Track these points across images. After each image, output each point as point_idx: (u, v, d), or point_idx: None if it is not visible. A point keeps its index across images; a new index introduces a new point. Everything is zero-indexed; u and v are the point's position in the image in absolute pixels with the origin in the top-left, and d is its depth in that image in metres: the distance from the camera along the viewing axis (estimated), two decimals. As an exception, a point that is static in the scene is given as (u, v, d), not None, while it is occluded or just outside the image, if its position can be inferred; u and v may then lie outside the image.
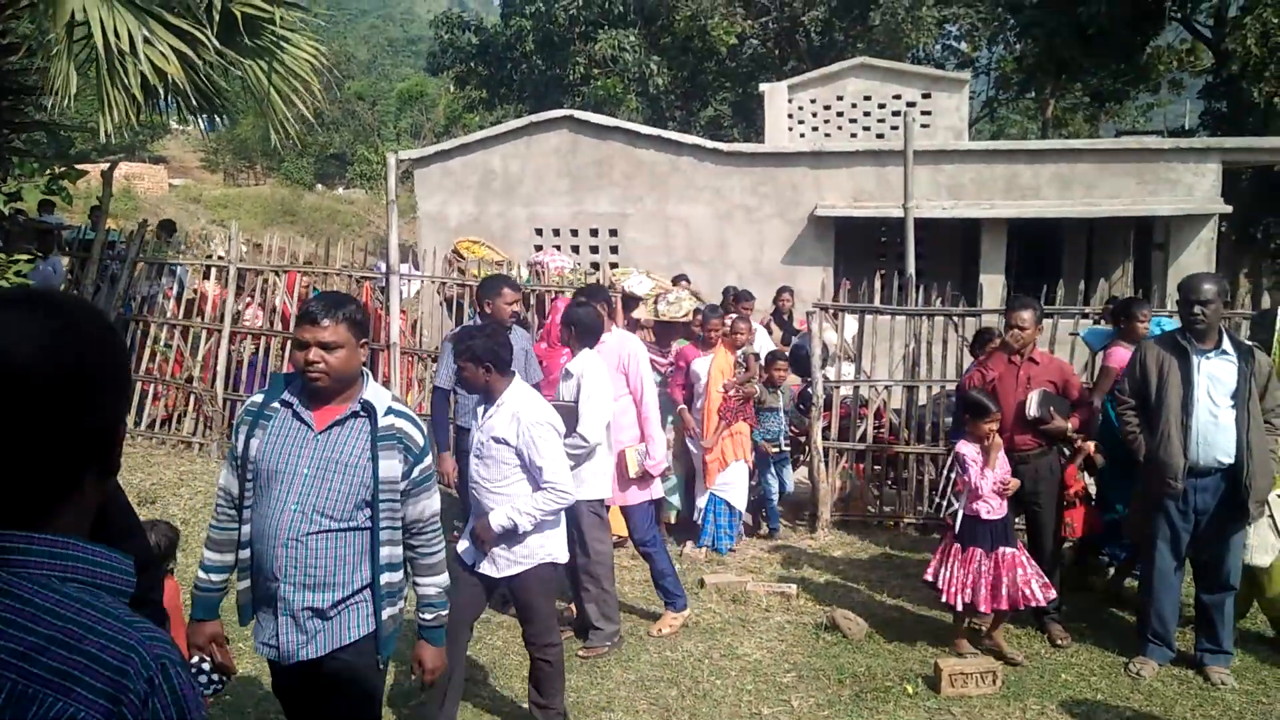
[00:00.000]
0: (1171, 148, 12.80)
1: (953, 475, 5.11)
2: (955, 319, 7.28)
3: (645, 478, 5.03)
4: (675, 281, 9.60)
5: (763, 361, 7.00)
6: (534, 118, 13.88)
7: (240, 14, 6.00)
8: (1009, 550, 4.72)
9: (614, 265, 13.41)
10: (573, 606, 5.10)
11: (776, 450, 6.85)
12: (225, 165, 39.92)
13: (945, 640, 5.07)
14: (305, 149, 35.93)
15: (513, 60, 21.53)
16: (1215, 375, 4.49)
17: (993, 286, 12.63)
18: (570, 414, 4.65)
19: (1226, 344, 4.54)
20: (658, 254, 13.32)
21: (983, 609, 4.73)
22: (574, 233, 13.57)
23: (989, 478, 4.72)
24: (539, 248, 13.07)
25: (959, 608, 4.78)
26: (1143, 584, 4.86)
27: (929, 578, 4.92)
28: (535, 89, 21.56)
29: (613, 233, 13.50)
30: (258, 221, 23.56)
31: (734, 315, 7.05)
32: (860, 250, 14.83)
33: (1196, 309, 4.51)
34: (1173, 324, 5.96)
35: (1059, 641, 5.00)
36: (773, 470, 6.90)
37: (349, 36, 60.87)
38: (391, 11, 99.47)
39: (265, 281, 8.39)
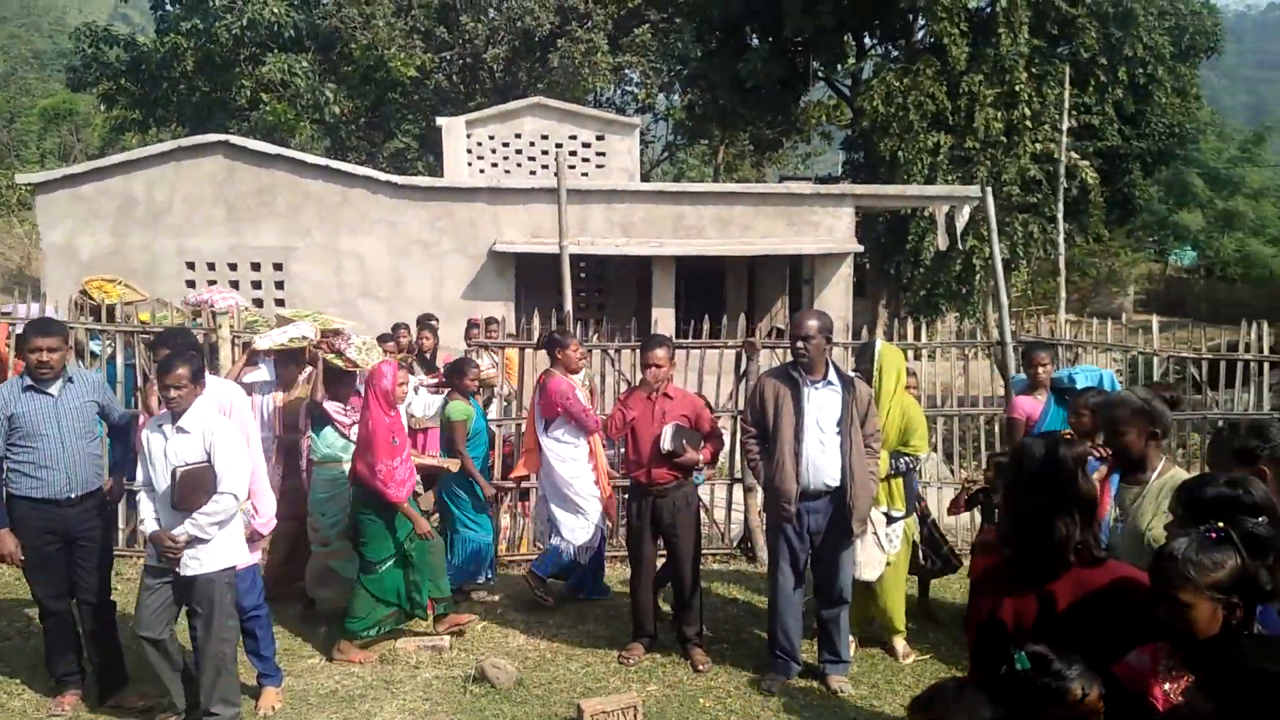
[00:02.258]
0: (814, 193, 14.12)
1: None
2: (612, 352, 7.42)
3: (253, 538, 4.56)
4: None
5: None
6: (183, 141, 12.77)
7: None
8: None
9: (280, 302, 12.59)
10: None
11: None
12: None
13: (594, 678, 5.05)
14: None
15: (170, 80, 19.70)
16: (823, 404, 4.84)
17: (664, 320, 13.27)
18: (203, 476, 4.10)
19: (832, 375, 4.91)
20: (329, 289, 12.67)
21: None
22: (233, 267, 12.56)
23: None
24: (191, 284, 11.95)
25: None
26: (769, 604, 5.11)
27: None
28: (196, 112, 19.85)
29: (277, 267, 12.65)
30: None
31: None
32: (543, 285, 14.98)
33: (800, 344, 4.84)
34: (1090, 371, 5.90)
35: (700, 667, 5.14)
36: None
37: (-21, 43, 53.19)
38: (38, 20, 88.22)
39: None
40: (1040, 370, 5.97)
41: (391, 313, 11.95)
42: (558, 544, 5.91)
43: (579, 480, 5.88)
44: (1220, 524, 2.16)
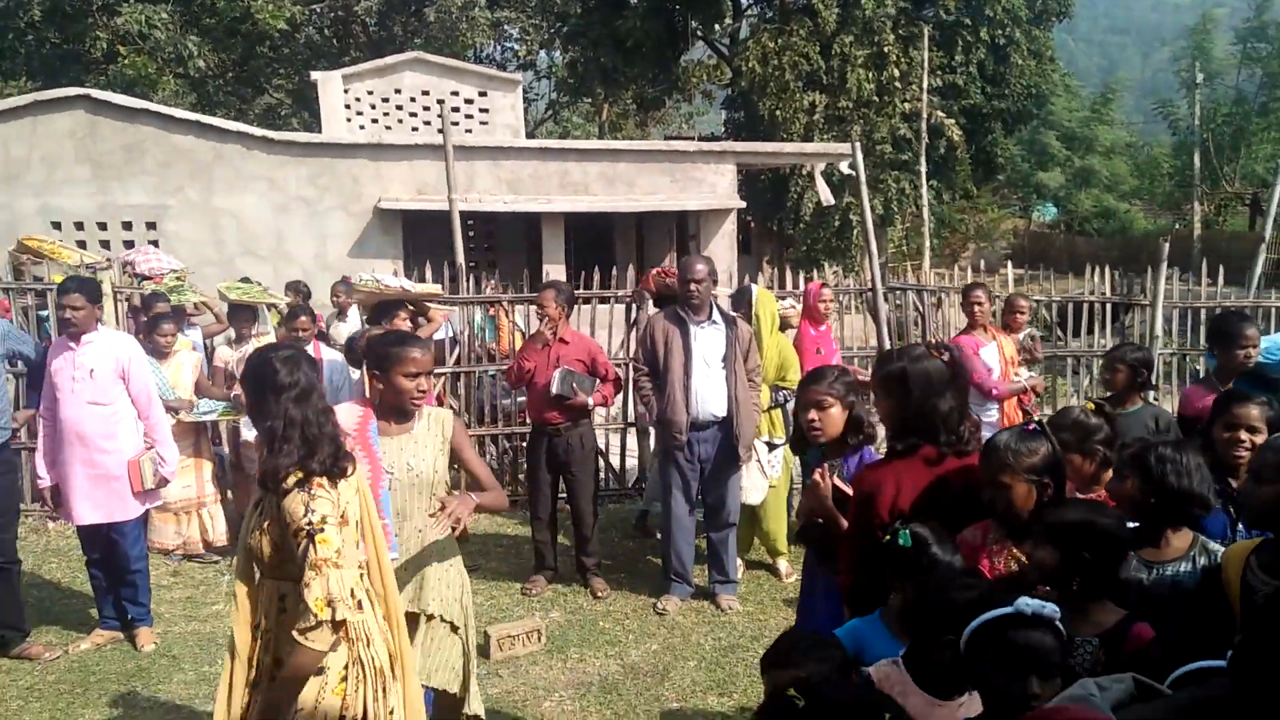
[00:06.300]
0: (696, 150, 14.42)
1: None
2: (505, 305, 7.58)
3: (161, 485, 4.60)
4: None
5: None
6: (39, 95, 12.09)
7: None
8: None
9: (154, 263, 12.16)
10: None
11: None
12: None
13: (499, 609, 5.29)
14: None
15: (16, 31, 18.46)
16: (709, 342, 5.16)
17: (556, 276, 13.39)
18: None
19: (716, 315, 5.23)
20: (206, 248, 12.30)
21: None
22: (103, 226, 12.06)
23: None
24: (82, 244, 11.36)
25: None
26: (663, 530, 5.44)
27: None
28: (47, 64, 18.68)
29: (150, 226, 12.20)
30: None
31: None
32: (431, 242, 14.85)
33: (692, 286, 5.15)
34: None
35: (599, 594, 5.45)
36: None
37: None
38: None
39: None
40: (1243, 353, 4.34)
41: (276, 271, 11.74)
42: None
43: None
44: (1036, 419, 2.56)
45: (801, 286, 8.45)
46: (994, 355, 5.85)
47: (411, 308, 5.54)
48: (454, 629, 3.25)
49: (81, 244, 11.48)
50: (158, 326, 5.94)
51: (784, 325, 6.42)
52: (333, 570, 2.36)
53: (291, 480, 2.41)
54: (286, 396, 2.46)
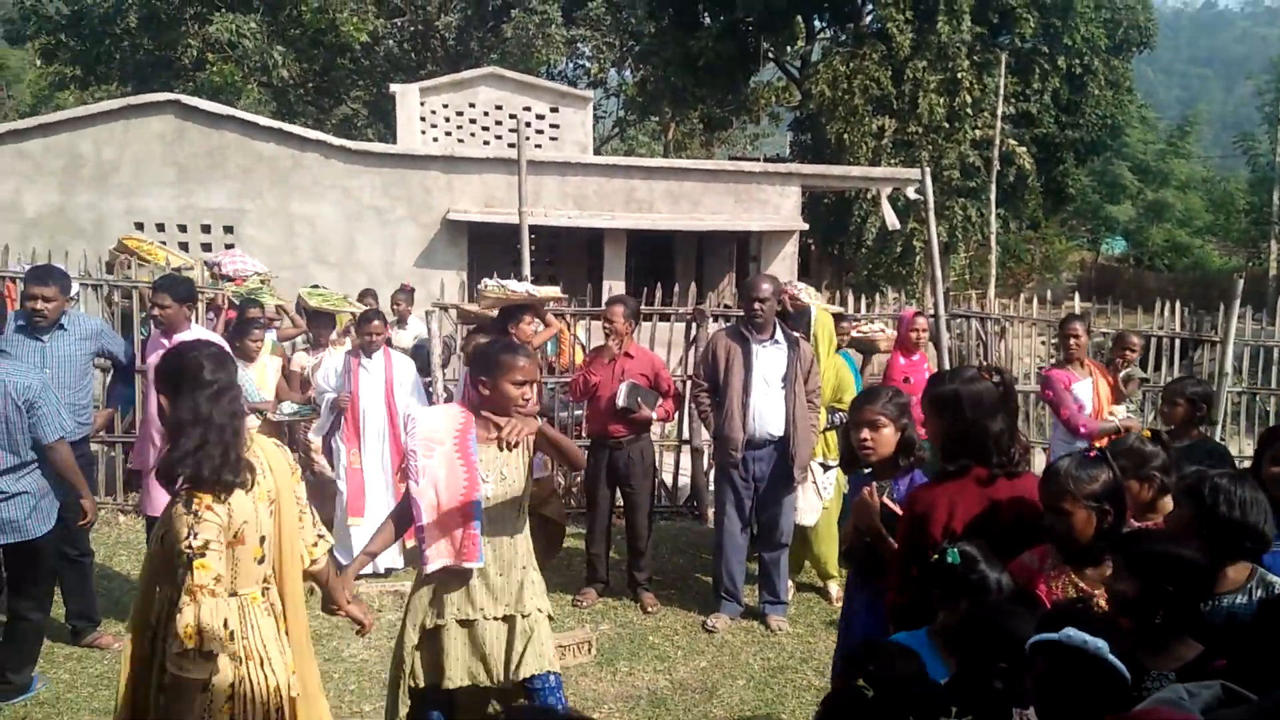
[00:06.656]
0: (761, 171, 14.46)
1: None
2: (569, 318, 7.70)
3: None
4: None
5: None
6: (132, 99, 12.63)
7: None
8: None
9: (231, 264, 12.57)
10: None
11: None
12: None
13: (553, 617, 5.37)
14: None
15: (112, 36, 19.29)
16: (770, 361, 5.20)
17: (616, 291, 13.52)
18: None
19: (779, 335, 5.28)
20: (281, 253, 12.66)
21: None
22: (182, 228, 12.51)
23: None
24: (162, 244, 11.80)
25: None
26: (714, 547, 5.48)
27: None
28: (140, 70, 19.47)
29: (228, 229, 12.62)
30: None
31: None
32: (496, 255, 15.11)
33: (756, 305, 5.20)
34: None
35: (649, 609, 5.50)
36: None
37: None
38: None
39: None
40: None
41: (343, 278, 12.06)
42: None
43: None
44: (1098, 446, 2.56)
45: (863, 310, 8.47)
46: (1088, 391, 5.58)
47: (534, 313, 5.73)
48: (550, 618, 3.41)
49: (161, 244, 11.92)
50: (249, 331, 6.07)
51: (873, 350, 6.44)
52: (207, 599, 2.31)
53: (182, 494, 2.37)
54: (201, 394, 2.41)
